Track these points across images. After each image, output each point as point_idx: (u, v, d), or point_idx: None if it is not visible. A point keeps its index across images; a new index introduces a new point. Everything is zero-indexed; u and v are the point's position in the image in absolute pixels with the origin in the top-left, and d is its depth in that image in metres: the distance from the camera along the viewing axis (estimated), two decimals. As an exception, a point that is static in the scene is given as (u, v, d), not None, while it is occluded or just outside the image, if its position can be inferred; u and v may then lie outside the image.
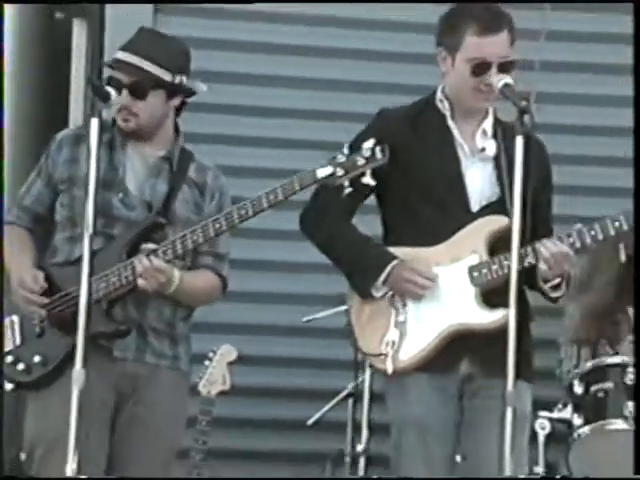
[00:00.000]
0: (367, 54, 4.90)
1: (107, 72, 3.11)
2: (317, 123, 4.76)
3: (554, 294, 2.99)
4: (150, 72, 3.03)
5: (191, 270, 3.19)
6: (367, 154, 2.93)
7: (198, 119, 4.11)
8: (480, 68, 2.97)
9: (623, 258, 4.11)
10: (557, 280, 2.96)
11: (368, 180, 2.92)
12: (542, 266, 2.93)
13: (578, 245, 2.91)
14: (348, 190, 2.97)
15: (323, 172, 2.94)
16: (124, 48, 3.12)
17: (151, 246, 3.05)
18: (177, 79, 3.08)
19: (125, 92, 2.98)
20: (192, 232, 3.03)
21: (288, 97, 4.98)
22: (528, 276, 2.92)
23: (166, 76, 3.06)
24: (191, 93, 3.18)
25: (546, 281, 2.95)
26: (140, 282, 2.96)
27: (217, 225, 3.02)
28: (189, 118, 3.37)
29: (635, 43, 4.97)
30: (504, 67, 2.97)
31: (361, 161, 2.92)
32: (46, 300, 3.05)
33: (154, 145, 3.14)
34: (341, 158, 2.93)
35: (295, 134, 4.76)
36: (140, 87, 3.04)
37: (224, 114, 4.76)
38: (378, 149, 2.92)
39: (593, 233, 2.91)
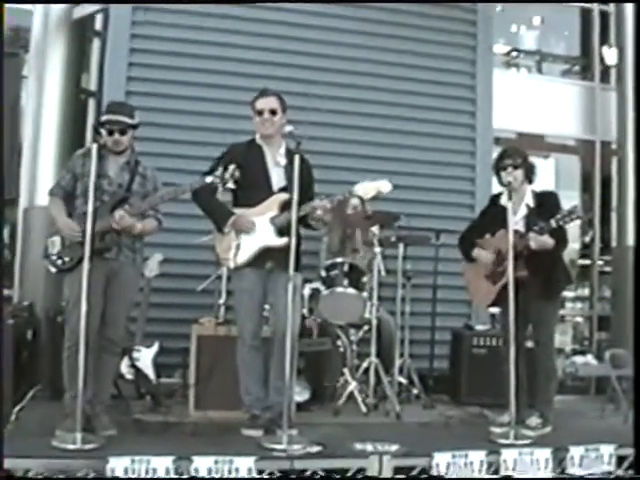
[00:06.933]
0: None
1: (104, 123, 3.94)
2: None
3: (319, 228, 4.31)
4: (126, 121, 4.07)
5: (145, 219, 4.07)
6: (230, 172, 3.95)
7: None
8: (260, 112, 4.22)
9: (349, 212, 5.36)
10: (321, 221, 4.16)
11: (231, 185, 3.99)
12: (315, 211, 4.06)
13: (329, 204, 4.07)
14: (220, 190, 4.06)
15: (209, 179, 4.00)
16: (110, 113, 4.05)
17: (127, 207, 3.98)
18: (135, 121, 4.11)
19: (116, 134, 4.03)
20: (145, 202, 4.00)
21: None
22: (305, 219, 4.11)
23: (132, 121, 4.09)
24: (138, 126, 4.11)
25: (316, 221, 4.15)
26: (115, 226, 3.95)
27: (157, 199, 4.00)
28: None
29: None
30: (273, 111, 4.18)
31: (227, 175, 3.96)
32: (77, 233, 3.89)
33: (122, 156, 4.13)
34: (218, 173, 3.96)
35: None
36: (123, 129, 4.06)
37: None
38: (237, 172, 3.95)
39: (340, 197, 4.09)
